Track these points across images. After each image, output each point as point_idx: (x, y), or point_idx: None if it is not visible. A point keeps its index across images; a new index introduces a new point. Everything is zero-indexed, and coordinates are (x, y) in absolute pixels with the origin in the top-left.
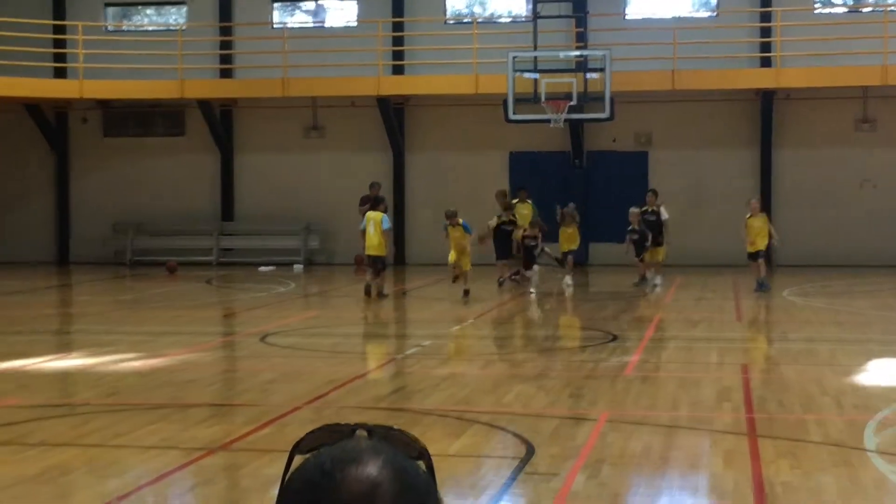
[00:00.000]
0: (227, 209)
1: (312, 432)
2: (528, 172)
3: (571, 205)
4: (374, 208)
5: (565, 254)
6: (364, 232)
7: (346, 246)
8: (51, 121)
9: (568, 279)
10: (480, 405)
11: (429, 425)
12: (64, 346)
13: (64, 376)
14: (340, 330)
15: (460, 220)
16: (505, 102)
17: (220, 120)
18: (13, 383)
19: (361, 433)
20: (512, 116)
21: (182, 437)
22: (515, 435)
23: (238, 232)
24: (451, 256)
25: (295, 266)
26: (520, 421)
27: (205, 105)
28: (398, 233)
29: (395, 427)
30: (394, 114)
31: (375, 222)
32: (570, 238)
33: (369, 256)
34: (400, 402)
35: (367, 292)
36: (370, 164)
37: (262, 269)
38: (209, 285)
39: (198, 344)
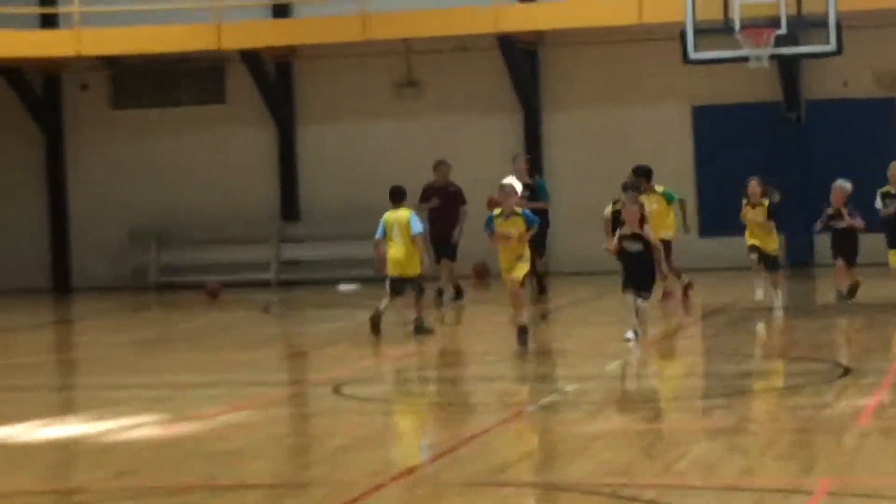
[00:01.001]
0: (290, 205)
1: None
2: (718, 132)
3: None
4: (394, 202)
5: (760, 253)
6: (379, 243)
7: (459, 252)
8: (37, 89)
9: (772, 298)
10: (644, 475)
11: None
12: (59, 408)
13: (58, 450)
14: (447, 372)
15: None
16: (683, 35)
17: (275, 78)
18: None
19: None
20: (694, 55)
21: None
22: None
23: (305, 237)
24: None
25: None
26: (699, 496)
27: (252, 57)
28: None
29: None
30: (523, 59)
31: (400, 226)
32: (760, 231)
33: (393, 279)
34: (529, 473)
35: (376, 325)
36: (491, 130)
37: (342, 287)
38: (266, 314)
39: (244, 399)
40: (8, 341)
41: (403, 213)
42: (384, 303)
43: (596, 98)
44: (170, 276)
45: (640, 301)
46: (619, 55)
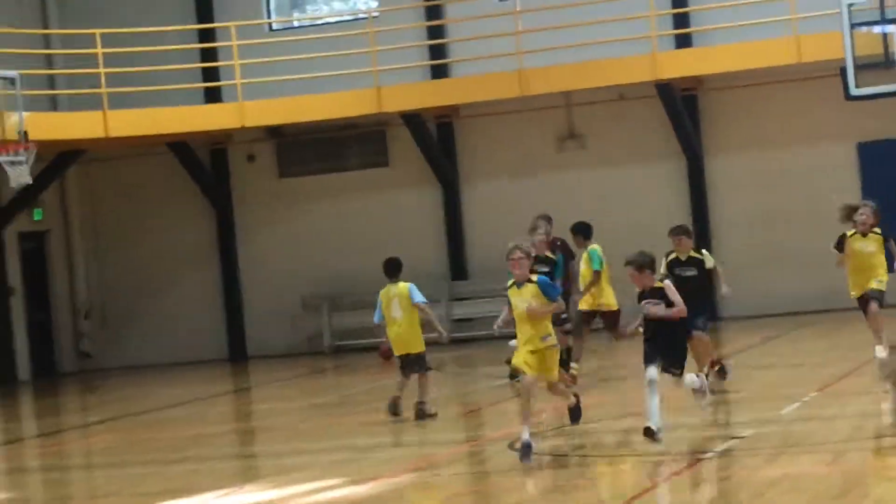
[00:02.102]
0: (458, 264)
1: None
2: (886, 168)
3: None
4: (390, 276)
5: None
6: (379, 326)
7: (632, 300)
8: (204, 163)
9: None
10: None
11: None
12: (239, 476)
13: None
14: (622, 423)
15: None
16: (843, 72)
17: (437, 138)
18: None
19: None
20: (856, 91)
21: None
22: None
23: (475, 294)
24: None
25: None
26: None
27: (413, 119)
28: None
29: None
30: (683, 105)
31: (401, 298)
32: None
33: (401, 357)
34: None
35: (394, 408)
36: (654, 178)
37: (513, 343)
38: (438, 372)
39: (422, 459)
40: (189, 412)
41: (402, 287)
42: (398, 386)
43: (758, 140)
44: (344, 340)
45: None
46: (779, 95)
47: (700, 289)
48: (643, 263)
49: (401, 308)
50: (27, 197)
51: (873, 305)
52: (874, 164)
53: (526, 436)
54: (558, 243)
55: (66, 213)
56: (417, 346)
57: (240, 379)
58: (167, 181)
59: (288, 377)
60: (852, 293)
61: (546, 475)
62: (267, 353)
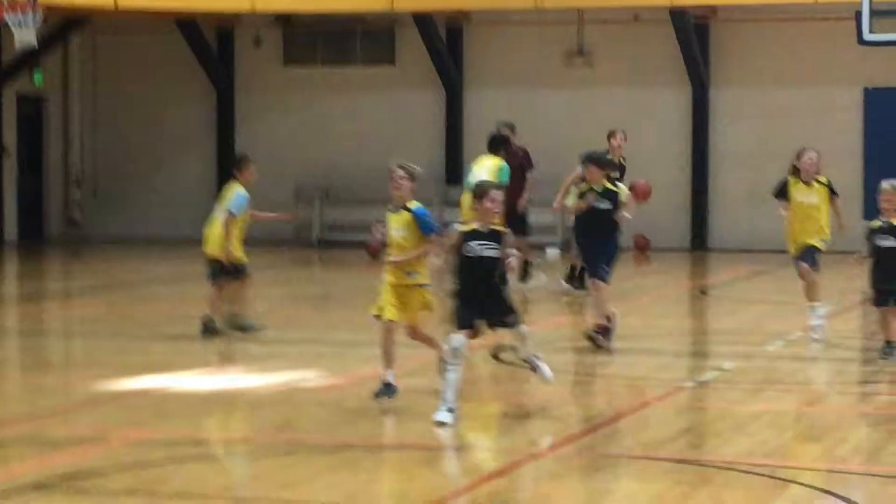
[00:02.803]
0: (455, 168)
1: None
2: (891, 116)
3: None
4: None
5: None
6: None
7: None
8: (211, 43)
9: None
10: (803, 458)
11: (724, 485)
12: (219, 358)
13: (216, 401)
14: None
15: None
16: (858, 15)
17: (446, 42)
18: (147, 409)
19: None
20: (869, 36)
21: (374, 490)
22: None
23: None
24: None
25: (548, 250)
26: (860, 483)
27: (424, 21)
28: (699, 205)
29: None
30: (694, 32)
31: (222, 200)
32: None
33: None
34: (686, 450)
35: (209, 328)
36: (659, 103)
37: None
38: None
39: (406, 360)
40: (173, 290)
41: (228, 190)
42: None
43: (766, 76)
44: (333, 234)
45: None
46: (792, 33)
47: (611, 226)
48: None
49: (218, 209)
50: (30, 60)
51: (803, 266)
52: (879, 110)
53: (388, 378)
54: (520, 153)
55: (66, 82)
56: (219, 251)
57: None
58: (172, 59)
59: (273, 265)
60: (791, 250)
61: (526, 389)
62: (255, 239)
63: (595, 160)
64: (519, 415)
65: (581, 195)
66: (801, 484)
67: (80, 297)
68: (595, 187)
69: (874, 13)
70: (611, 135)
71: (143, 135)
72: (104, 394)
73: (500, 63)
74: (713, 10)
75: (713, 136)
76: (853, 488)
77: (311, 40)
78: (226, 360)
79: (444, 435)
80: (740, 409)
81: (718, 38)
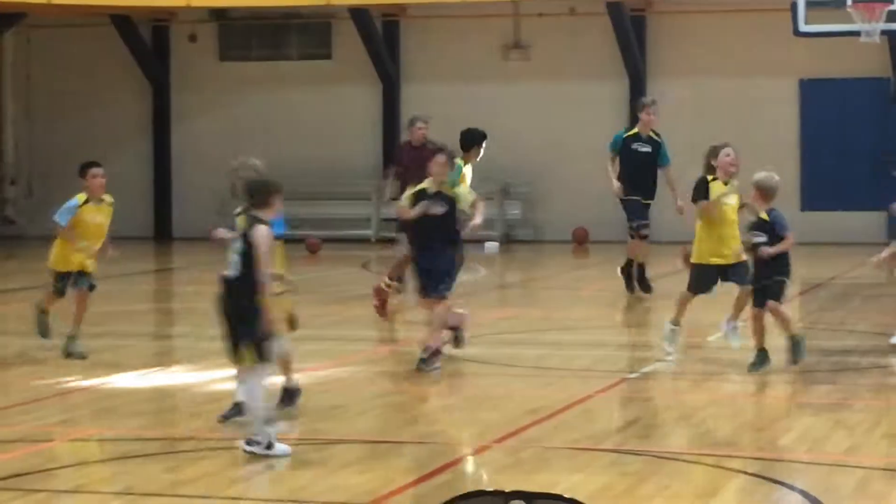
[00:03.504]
0: (391, 161)
1: (456, 500)
2: (826, 107)
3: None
4: None
5: None
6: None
7: (560, 216)
8: (146, 39)
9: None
10: (748, 447)
11: (672, 475)
12: (162, 356)
13: (160, 398)
14: (549, 337)
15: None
16: (794, 6)
17: (383, 36)
18: (92, 406)
19: None
20: (804, 27)
21: (319, 487)
22: (799, 492)
23: None
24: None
25: (487, 244)
26: (805, 472)
27: (360, 15)
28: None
29: (566, 496)
30: (630, 24)
31: None
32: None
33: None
34: (632, 441)
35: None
36: (596, 96)
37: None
38: (365, 271)
39: (344, 355)
40: (111, 288)
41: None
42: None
43: (702, 67)
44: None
45: None
46: (728, 25)
47: (448, 233)
48: None
49: None
50: None
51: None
52: (814, 102)
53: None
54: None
55: None
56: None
57: (164, 259)
58: (107, 55)
59: (211, 261)
60: (712, 259)
61: (471, 382)
62: (192, 235)
63: (447, 151)
64: (463, 408)
65: (413, 197)
66: (747, 473)
67: (16, 296)
68: (429, 189)
69: (809, 4)
70: (641, 108)
71: (78, 132)
72: (46, 393)
73: (436, 56)
74: (649, 2)
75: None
76: (798, 477)
77: (246, 35)
78: (170, 358)
79: (390, 429)
80: (685, 399)
81: (655, 31)
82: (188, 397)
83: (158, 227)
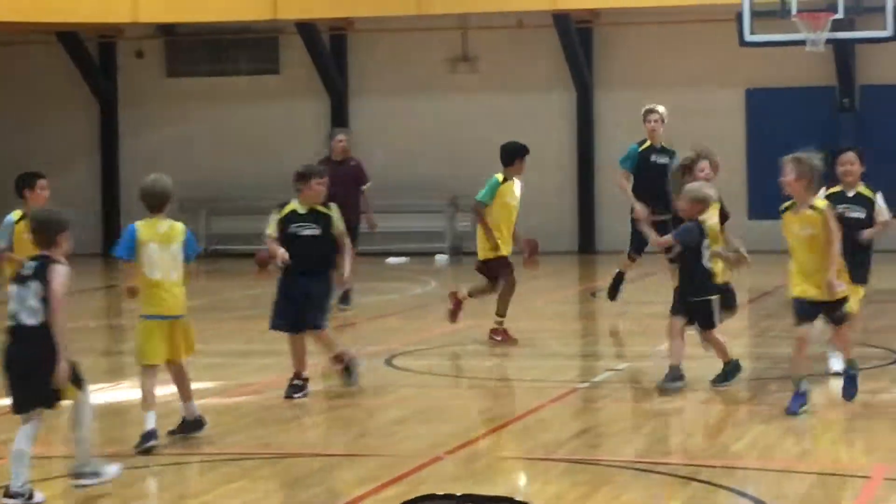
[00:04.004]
0: None
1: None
2: (772, 116)
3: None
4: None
5: None
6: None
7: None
8: (93, 56)
9: None
10: (700, 455)
11: (624, 485)
12: (112, 373)
13: (112, 415)
14: (500, 348)
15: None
16: (739, 17)
17: (330, 50)
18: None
19: None
20: (750, 37)
21: (274, 499)
22: (751, 498)
23: None
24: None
25: (437, 257)
26: (757, 478)
27: (307, 29)
28: (586, 208)
29: (516, 499)
30: (577, 36)
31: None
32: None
33: None
34: (583, 450)
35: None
36: (545, 108)
37: (391, 260)
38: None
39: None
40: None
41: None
42: None
43: (648, 78)
44: (220, 245)
45: None
46: (674, 36)
47: (322, 256)
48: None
49: None
50: None
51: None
52: (761, 111)
53: (148, 425)
54: (352, 163)
55: None
56: None
57: (112, 275)
58: (53, 72)
59: None
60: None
61: (422, 394)
62: None
63: (314, 173)
64: (416, 420)
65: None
66: (700, 481)
67: None
68: (299, 209)
69: (755, 14)
70: (643, 118)
71: (24, 149)
72: None
73: (384, 70)
74: (596, 14)
75: (598, 139)
76: (750, 483)
77: (194, 51)
78: (121, 375)
79: (341, 442)
80: (636, 408)
81: (602, 42)
82: (137, 413)
83: (107, 244)
